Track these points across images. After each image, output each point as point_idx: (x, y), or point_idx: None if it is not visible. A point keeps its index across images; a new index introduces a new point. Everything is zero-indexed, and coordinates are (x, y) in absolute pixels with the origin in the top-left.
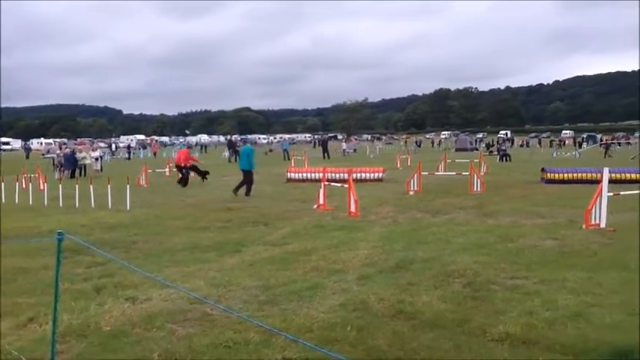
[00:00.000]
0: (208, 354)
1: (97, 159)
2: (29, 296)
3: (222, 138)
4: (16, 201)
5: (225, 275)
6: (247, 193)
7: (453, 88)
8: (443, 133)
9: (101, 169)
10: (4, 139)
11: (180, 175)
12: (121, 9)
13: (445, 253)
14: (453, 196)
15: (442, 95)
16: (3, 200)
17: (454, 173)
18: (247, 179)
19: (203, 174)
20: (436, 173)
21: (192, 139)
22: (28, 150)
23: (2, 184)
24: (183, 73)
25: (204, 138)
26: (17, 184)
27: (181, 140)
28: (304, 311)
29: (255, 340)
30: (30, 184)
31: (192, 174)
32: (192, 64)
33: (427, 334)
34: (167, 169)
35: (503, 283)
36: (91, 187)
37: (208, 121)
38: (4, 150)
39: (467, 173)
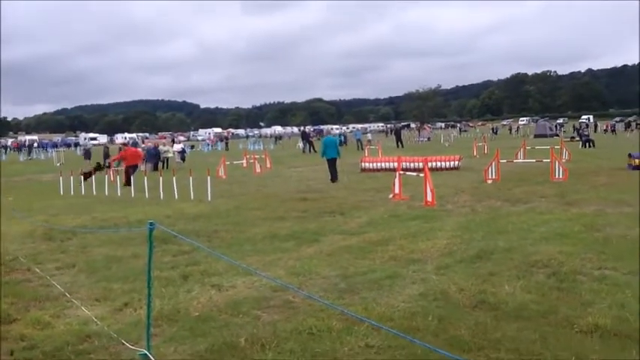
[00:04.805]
0: (292, 339)
1: (180, 152)
2: (123, 283)
3: (295, 129)
4: (106, 193)
5: (305, 264)
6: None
7: (530, 72)
8: (521, 119)
9: (183, 161)
10: (91, 135)
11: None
12: (203, 8)
13: (527, 242)
14: (533, 184)
15: (519, 80)
16: (94, 193)
17: (534, 160)
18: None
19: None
20: (515, 161)
21: (267, 131)
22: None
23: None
24: (259, 67)
25: (278, 129)
26: (106, 177)
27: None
28: (384, 300)
29: (337, 327)
30: (117, 177)
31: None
32: (267, 59)
33: (511, 325)
34: (244, 161)
35: (590, 274)
36: (174, 179)
37: (281, 113)
38: (93, 145)
39: (548, 160)
